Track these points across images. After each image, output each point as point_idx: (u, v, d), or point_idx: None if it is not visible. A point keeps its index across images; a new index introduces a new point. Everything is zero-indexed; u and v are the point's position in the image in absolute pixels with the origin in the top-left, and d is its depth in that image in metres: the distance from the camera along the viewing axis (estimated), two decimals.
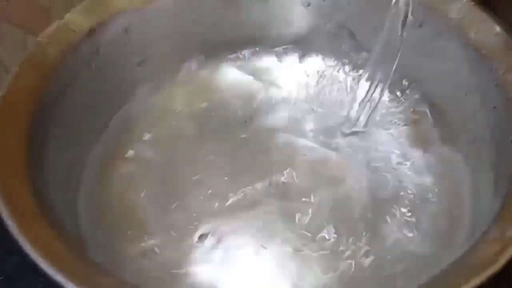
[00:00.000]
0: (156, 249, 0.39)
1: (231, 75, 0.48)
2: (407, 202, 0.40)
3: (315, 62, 0.48)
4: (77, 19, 0.42)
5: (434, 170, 0.41)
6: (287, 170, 0.42)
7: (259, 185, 0.41)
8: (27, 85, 0.39)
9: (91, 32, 0.42)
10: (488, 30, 0.40)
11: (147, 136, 0.45)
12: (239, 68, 0.49)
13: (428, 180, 0.41)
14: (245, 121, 0.46)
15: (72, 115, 0.41)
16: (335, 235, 0.38)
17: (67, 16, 0.42)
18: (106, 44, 0.43)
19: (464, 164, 0.41)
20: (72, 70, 0.41)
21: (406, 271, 0.36)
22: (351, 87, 0.46)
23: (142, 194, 0.42)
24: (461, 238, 0.36)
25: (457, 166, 0.41)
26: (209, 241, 0.38)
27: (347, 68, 0.48)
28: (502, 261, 0.28)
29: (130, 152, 0.44)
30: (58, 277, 0.29)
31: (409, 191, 0.40)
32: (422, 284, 0.29)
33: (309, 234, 0.39)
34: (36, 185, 0.35)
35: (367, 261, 0.37)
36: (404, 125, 0.45)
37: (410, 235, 0.38)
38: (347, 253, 0.37)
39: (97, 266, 0.32)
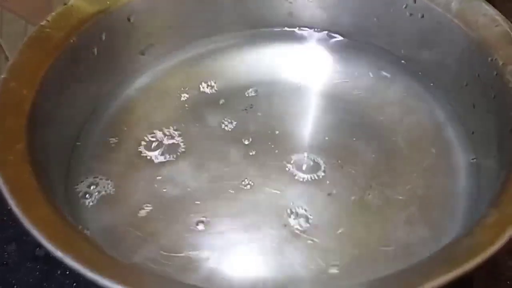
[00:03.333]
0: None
1: (236, 58, 0.49)
2: None
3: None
4: (81, 5, 0.42)
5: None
6: None
7: None
8: (28, 67, 0.39)
9: (94, 18, 0.42)
10: (488, 21, 0.40)
11: (146, 123, 0.45)
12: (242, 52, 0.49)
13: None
14: (250, 107, 0.45)
15: (72, 99, 0.42)
16: None
17: (71, 1, 0.42)
18: (109, 31, 0.43)
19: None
20: (74, 55, 0.41)
21: None
22: None
23: (141, 179, 0.41)
24: None
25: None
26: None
27: None
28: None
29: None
30: (58, 253, 0.29)
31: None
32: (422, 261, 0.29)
33: None
34: (36, 166, 0.35)
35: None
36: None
37: None
38: None
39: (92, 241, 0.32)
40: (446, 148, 0.42)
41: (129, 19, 0.45)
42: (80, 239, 0.31)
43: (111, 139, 0.43)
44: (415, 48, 0.45)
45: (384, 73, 0.47)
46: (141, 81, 0.47)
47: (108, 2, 0.44)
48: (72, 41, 0.41)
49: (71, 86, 0.41)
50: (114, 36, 0.44)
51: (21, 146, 0.35)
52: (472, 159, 0.41)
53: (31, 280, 0.41)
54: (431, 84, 0.46)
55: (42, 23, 0.40)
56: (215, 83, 0.47)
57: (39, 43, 0.40)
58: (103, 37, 0.43)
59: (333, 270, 0.35)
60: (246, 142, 0.42)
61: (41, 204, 0.32)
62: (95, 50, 0.43)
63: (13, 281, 0.41)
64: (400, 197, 0.39)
